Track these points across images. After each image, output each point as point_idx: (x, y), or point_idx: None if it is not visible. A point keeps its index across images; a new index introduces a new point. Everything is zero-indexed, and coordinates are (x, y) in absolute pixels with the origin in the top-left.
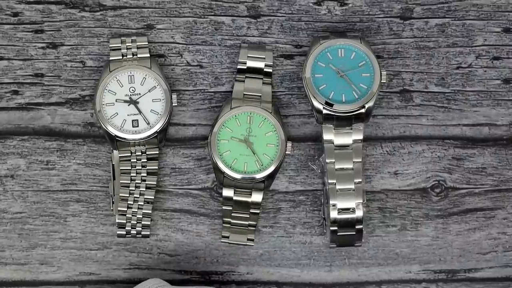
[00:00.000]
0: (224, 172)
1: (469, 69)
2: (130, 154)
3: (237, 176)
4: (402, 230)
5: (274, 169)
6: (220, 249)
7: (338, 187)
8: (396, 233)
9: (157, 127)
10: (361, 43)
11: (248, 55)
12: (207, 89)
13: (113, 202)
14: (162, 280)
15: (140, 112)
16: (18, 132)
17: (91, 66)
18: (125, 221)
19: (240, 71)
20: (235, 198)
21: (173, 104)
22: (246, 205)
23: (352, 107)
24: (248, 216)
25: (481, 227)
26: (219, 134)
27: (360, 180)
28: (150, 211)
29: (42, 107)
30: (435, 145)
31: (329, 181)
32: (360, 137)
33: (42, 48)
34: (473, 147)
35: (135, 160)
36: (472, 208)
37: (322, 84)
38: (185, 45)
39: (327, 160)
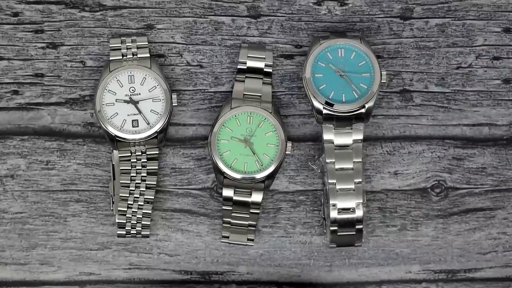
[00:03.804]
0: (224, 172)
1: (469, 69)
2: (130, 154)
3: (237, 176)
4: (402, 230)
5: (274, 169)
6: (220, 249)
7: (338, 187)
8: (396, 233)
9: (157, 127)
10: (361, 43)
11: (248, 55)
12: (207, 89)
13: (113, 202)
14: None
15: (140, 112)
16: (18, 132)
17: (91, 66)
18: (125, 221)
19: (240, 71)
20: (235, 198)
21: (173, 104)
22: (246, 205)
23: (352, 107)
24: (248, 216)
25: (481, 227)
26: (219, 134)
27: (360, 180)
28: (150, 211)
29: (42, 107)
30: (435, 145)
31: (329, 181)
32: (360, 137)
33: (42, 48)
34: (473, 147)
35: (135, 160)
36: (472, 208)
37: (322, 84)
38: (185, 45)
39: (327, 160)
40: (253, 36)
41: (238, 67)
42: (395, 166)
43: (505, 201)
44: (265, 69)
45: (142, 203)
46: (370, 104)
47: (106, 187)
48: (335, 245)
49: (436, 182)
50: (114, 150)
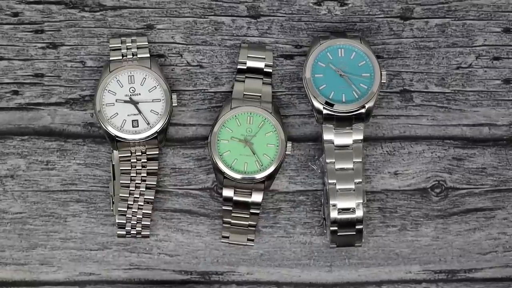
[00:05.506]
0: (224, 172)
1: (469, 69)
2: (130, 154)
3: (237, 176)
4: (402, 230)
5: (274, 169)
6: (220, 249)
7: (338, 187)
8: (396, 233)
9: (157, 127)
10: (361, 43)
11: (248, 55)
12: (207, 89)
13: (113, 202)
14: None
15: (140, 112)
16: (18, 132)
17: (91, 66)
18: (125, 221)
19: (240, 71)
20: (235, 198)
21: (173, 104)
22: (246, 206)
23: (352, 107)
24: (248, 216)
25: (481, 227)
26: (219, 134)
27: (360, 180)
28: (150, 211)
29: (42, 107)
30: (435, 145)
31: (329, 181)
32: (360, 137)
33: (42, 48)
34: (473, 147)
35: (135, 160)
36: (472, 208)
37: (322, 84)
38: (185, 45)
39: (327, 160)
40: (253, 36)
41: (238, 67)
42: (395, 166)
43: (505, 201)
44: (265, 69)
45: (142, 203)
46: (370, 104)
47: (106, 187)
48: (335, 245)
49: (436, 182)
50: (114, 150)
